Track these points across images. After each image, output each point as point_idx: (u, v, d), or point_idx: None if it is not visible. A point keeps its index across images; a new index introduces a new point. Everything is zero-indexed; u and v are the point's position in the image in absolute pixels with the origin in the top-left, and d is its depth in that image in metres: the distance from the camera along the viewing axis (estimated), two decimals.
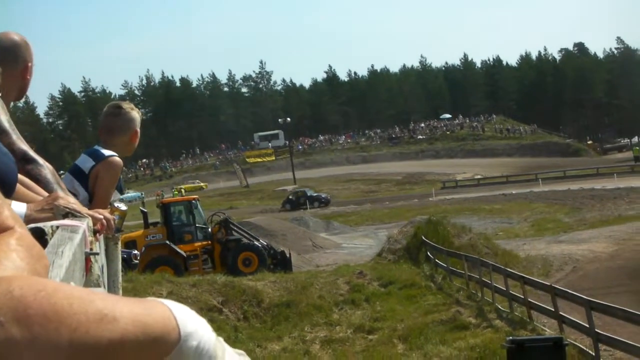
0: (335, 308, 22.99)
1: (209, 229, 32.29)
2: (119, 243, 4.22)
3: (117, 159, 4.78)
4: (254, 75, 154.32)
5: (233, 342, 19.61)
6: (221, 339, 1.41)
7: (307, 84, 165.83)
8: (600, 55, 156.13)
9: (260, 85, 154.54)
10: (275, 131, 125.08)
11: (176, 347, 1.25)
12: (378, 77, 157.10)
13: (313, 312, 22.41)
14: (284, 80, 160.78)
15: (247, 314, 22.27)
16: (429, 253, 29.51)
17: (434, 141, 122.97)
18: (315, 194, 74.55)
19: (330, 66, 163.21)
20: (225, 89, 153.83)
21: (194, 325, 1.28)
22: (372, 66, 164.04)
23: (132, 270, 27.88)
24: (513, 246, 34.08)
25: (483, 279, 22.12)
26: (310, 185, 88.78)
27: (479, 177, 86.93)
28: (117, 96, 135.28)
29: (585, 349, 14.53)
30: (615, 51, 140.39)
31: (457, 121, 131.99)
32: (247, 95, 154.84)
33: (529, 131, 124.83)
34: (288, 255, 31.82)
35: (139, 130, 5.06)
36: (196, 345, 1.28)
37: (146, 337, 1.18)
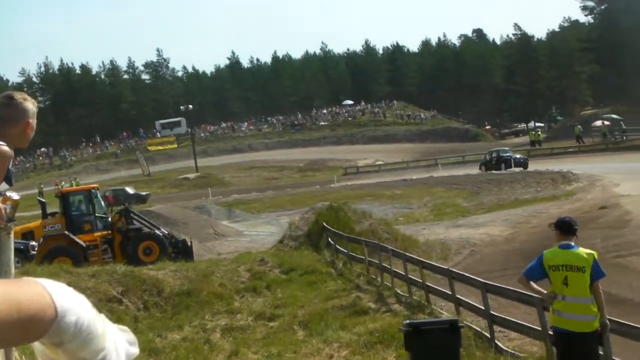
0: (236, 296, 22.96)
1: (109, 219, 31.84)
2: (12, 233, 4.15)
3: (5, 148, 4.69)
4: (154, 62, 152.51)
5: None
6: (103, 315, 1.42)
7: (209, 70, 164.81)
8: (498, 41, 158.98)
9: (161, 72, 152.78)
10: (177, 118, 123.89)
11: (54, 324, 1.25)
12: (280, 64, 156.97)
13: (214, 301, 22.33)
14: (185, 67, 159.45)
15: (147, 304, 22.08)
16: (330, 239, 29.70)
17: (335, 127, 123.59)
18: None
19: (233, 52, 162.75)
20: (126, 76, 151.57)
21: (70, 301, 1.29)
22: (275, 52, 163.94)
23: (30, 262, 27.46)
24: (413, 231, 34.51)
25: (383, 264, 22.36)
26: (213, 172, 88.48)
27: (380, 162, 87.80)
28: (14, 84, 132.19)
29: (481, 330, 14.82)
30: (513, 37, 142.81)
31: (358, 107, 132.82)
32: (148, 82, 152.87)
33: (429, 117, 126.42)
34: (189, 244, 31.61)
35: (33, 121, 4.96)
36: (75, 321, 1.28)
37: (21, 315, 1.18)
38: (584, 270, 9.09)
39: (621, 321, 10.38)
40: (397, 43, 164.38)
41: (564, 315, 9.15)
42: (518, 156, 67.06)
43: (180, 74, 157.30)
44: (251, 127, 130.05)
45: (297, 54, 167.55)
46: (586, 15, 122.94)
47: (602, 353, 9.75)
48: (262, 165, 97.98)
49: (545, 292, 9.37)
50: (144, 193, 74.81)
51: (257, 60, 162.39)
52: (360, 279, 23.89)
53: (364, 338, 15.91)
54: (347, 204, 35.63)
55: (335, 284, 23.47)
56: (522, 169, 61.61)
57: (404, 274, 20.18)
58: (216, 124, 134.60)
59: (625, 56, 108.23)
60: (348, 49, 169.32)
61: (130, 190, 74.83)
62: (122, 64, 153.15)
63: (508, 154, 66.82)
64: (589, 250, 9.27)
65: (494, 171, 62.15)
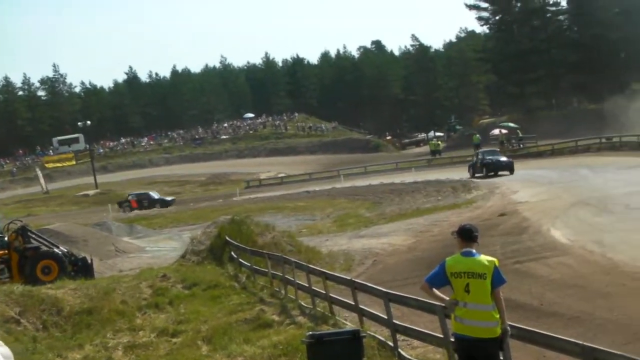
0: (138, 313, 22.59)
1: (5, 238, 31.00)
2: None
3: None
4: (50, 78, 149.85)
5: (32, 353, 18.93)
6: None
7: (108, 86, 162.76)
8: (397, 52, 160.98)
9: (58, 88, 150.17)
10: (75, 135, 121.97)
11: None
12: (180, 78, 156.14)
13: (116, 318, 21.93)
14: (83, 83, 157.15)
15: (46, 324, 21.55)
16: (232, 253, 29.46)
17: (237, 141, 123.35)
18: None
19: (130, 67, 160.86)
20: (21, 92, 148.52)
21: None
22: (174, 67, 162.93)
23: None
24: (316, 242, 34.47)
25: (286, 276, 22.25)
26: (113, 189, 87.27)
27: (282, 175, 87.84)
28: None
29: (384, 340, 14.83)
30: (411, 48, 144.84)
31: (259, 120, 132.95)
32: (44, 98, 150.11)
33: (330, 128, 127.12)
34: (90, 262, 30.97)
35: None
36: None
37: None
38: (485, 277, 9.14)
39: (521, 326, 10.48)
40: (297, 55, 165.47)
41: (465, 322, 9.19)
42: (504, 159, 59.47)
43: (77, 89, 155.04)
44: (151, 142, 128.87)
45: (196, 68, 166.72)
46: (482, 26, 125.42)
47: (502, 358, 9.83)
48: (164, 180, 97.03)
49: (447, 298, 9.40)
50: (169, 198, 73.71)
51: (156, 74, 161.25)
52: (263, 292, 23.75)
53: (268, 351, 15.80)
54: (250, 217, 35.41)
55: (238, 297, 23.28)
56: (508, 173, 55.82)
57: (307, 285, 20.11)
58: (115, 139, 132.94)
59: (520, 65, 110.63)
60: (248, 62, 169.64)
61: (154, 195, 73.70)
62: (17, 81, 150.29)
63: (490, 157, 59.04)
64: (490, 258, 9.33)
65: (476, 175, 57.26)
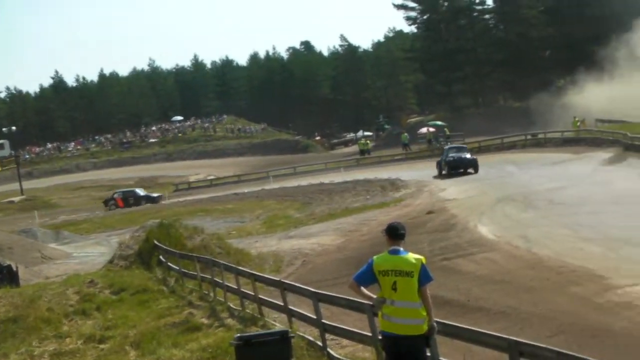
0: (65, 320, 22.23)
1: None
2: None
3: None
4: None
5: None
6: None
7: (34, 91, 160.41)
8: (326, 53, 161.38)
9: None
10: (0, 141, 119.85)
11: None
12: (107, 82, 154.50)
13: (42, 326, 21.54)
14: (8, 88, 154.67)
15: None
16: (161, 257, 29.23)
17: (165, 144, 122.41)
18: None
19: (56, 72, 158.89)
20: None
21: None
22: (102, 70, 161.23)
23: None
24: (246, 244, 34.38)
25: (215, 278, 22.13)
26: (40, 195, 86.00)
27: (211, 177, 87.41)
28: None
29: (313, 340, 14.83)
30: (339, 48, 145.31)
31: (188, 123, 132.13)
32: None
33: (260, 130, 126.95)
34: (15, 269, 30.46)
35: None
36: None
37: None
38: (412, 275, 9.17)
39: (447, 322, 10.55)
40: (226, 57, 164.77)
41: (393, 320, 9.22)
42: (467, 156, 54.56)
43: (2, 95, 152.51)
44: (79, 147, 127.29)
45: (124, 71, 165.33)
46: (410, 25, 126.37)
47: (429, 354, 9.89)
48: (91, 185, 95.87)
49: (375, 297, 9.42)
50: (155, 194, 72.27)
51: (83, 78, 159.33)
52: (192, 295, 23.60)
53: (197, 354, 15.70)
54: (179, 221, 35.15)
55: (167, 301, 23.09)
56: (472, 171, 52.62)
57: (236, 287, 20.03)
58: (42, 145, 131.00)
59: (447, 64, 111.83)
60: (177, 65, 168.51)
61: (140, 192, 72.31)
62: None
63: (453, 155, 55.09)
64: (417, 256, 9.35)
65: (442, 173, 54.07)
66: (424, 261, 9.31)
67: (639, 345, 12.87)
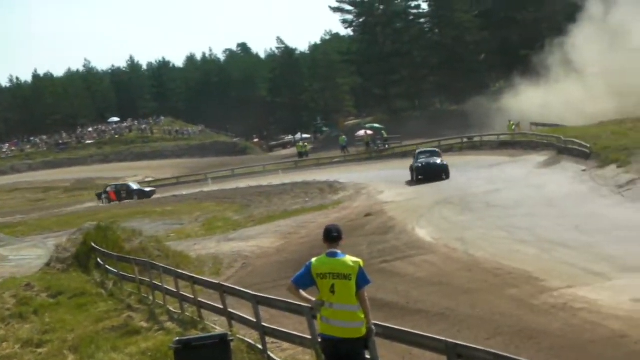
0: (1, 324, 21.96)
1: None
2: None
3: None
4: None
5: None
6: None
7: None
8: (263, 55, 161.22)
9: None
10: None
11: None
12: (42, 82, 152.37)
13: None
14: None
15: None
16: (99, 259, 28.98)
17: (102, 145, 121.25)
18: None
19: None
20: None
21: None
22: (36, 71, 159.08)
23: None
24: (185, 247, 34.22)
25: (154, 282, 22.03)
26: None
27: (149, 179, 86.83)
28: None
29: (253, 343, 14.87)
30: (277, 51, 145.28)
31: (125, 124, 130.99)
32: None
33: (197, 132, 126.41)
34: None
35: None
36: None
37: None
38: (350, 278, 9.24)
39: (386, 325, 10.67)
40: (162, 59, 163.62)
41: (331, 323, 9.29)
42: (438, 161, 49.39)
43: None
44: (13, 148, 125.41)
45: (59, 72, 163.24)
46: (346, 28, 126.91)
47: (368, 357, 10.00)
48: (27, 187, 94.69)
49: (313, 299, 9.49)
50: (148, 189, 71.34)
51: (17, 79, 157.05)
52: (131, 299, 23.46)
53: (137, 358, 15.67)
54: (116, 223, 34.88)
55: (106, 305, 22.94)
56: (444, 177, 47.77)
57: (175, 290, 19.97)
58: None
59: (383, 67, 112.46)
60: (113, 66, 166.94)
61: (134, 185, 71.53)
62: None
63: (422, 161, 49.44)
64: (355, 259, 9.42)
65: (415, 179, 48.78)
66: (362, 264, 9.38)
67: (574, 346, 13.12)
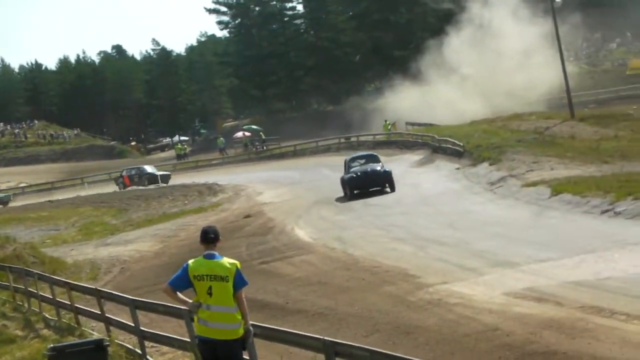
0: None
1: None
2: None
3: None
4: None
5: None
6: None
7: None
8: (138, 57, 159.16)
9: None
10: None
11: None
12: None
13: None
14: None
15: None
16: None
17: None
18: None
19: None
20: None
21: None
22: None
23: None
24: (61, 253, 33.67)
25: (29, 289, 21.62)
26: None
27: (23, 185, 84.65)
28: None
29: (132, 348, 14.76)
30: (152, 52, 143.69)
31: None
32: None
33: (73, 135, 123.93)
34: None
35: None
36: None
37: None
38: (228, 280, 9.27)
39: (265, 325, 10.77)
40: (35, 61, 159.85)
41: (209, 325, 9.32)
42: (378, 168, 38.44)
43: None
44: None
45: None
46: (222, 30, 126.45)
47: (247, 358, 10.07)
48: None
49: (190, 301, 9.49)
50: (160, 172, 66.57)
51: None
52: (5, 307, 22.99)
53: None
54: None
55: None
56: (387, 188, 37.34)
57: (51, 297, 19.63)
58: None
59: (260, 68, 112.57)
60: None
61: (149, 168, 66.88)
62: None
63: (356, 170, 38.37)
64: (232, 260, 9.45)
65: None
66: (238, 266, 9.42)
67: (449, 341, 13.44)
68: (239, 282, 9.34)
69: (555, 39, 52.79)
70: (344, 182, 38.08)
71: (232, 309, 9.30)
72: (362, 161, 39.69)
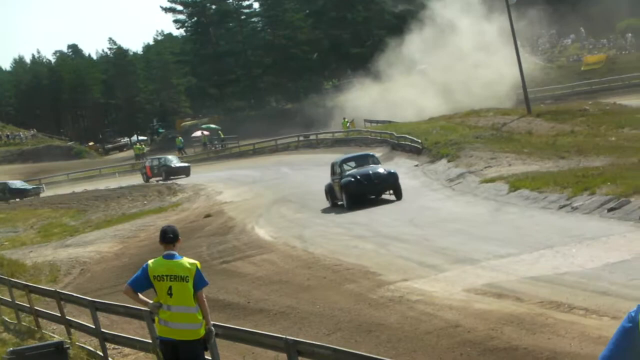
0: None
1: None
2: None
3: None
4: None
5: None
6: None
7: None
8: (95, 56, 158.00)
9: None
10: None
11: None
12: None
13: None
14: None
15: None
16: None
17: None
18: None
19: None
20: None
21: None
22: None
23: None
24: (20, 255, 33.42)
25: None
26: None
27: None
28: None
29: (94, 350, 14.68)
30: (109, 52, 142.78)
31: None
32: None
33: (30, 136, 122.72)
34: None
35: None
36: None
37: None
38: (188, 280, 9.26)
39: (226, 325, 10.79)
40: None
41: (170, 325, 9.32)
42: (381, 170, 32.42)
43: None
44: None
45: None
46: (178, 29, 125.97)
47: (209, 358, 10.07)
48: None
49: (150, 302, 9.48)
50: (180, 164, 62.87)
51: None
52: None
53: None
54: None
55: None
56: (394, 195, 31.77)
57: (10, 300, 19.48)
58: None
59: (218, 67, 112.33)
60: None
61: (172, 159, 63.33)
62: None
63: (352, 173, 32.01)
64: (192, 260, 9.45)
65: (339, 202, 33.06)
66: (198, 266, 9.42)
67: (410, 338, 13.51)
68: (199, 282, 9.34)
69: (511, 36, 53.21)
70: (341, 188, 31.95)
71: (193, 309, 9.29)
72: (359, 162, 33.85)
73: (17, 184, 69.95)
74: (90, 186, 63.70)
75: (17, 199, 63.89)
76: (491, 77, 66.86)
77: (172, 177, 59.30)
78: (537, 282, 15.56)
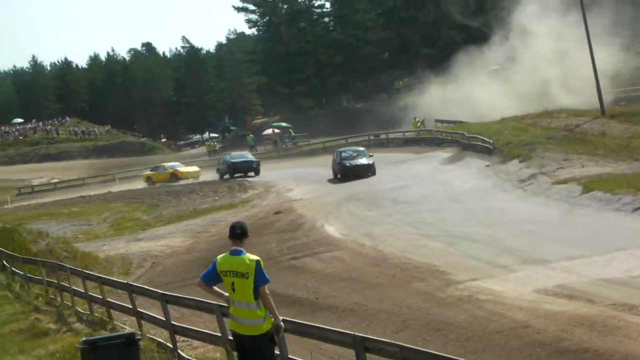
0: None
1: None
2: None
3: None
4: None
5: None
6: None
7: None
8: (168, 54, 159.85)
9: None
10: None
11: None
12: None
13: None
14: None
15: None
16: (5, 262, 28.57)
17: (6, 147, 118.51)
18: None
19: None
20: None
21: None
22: None
23: None
24: (93, 248, 33.86)
25: (62, 283, 21.81)
26: None
27: (55, 180, 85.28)
28: None
29: (163, 342, 14.84)
30: (182, 50, 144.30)
31: (29, 125, 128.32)
32: None
33: (104, 132, 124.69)
34: None
35: None
36: None
37: None
38: (248, 277, 9.30)
39: (295, 320, 10.82)
40: (65, 59, 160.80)
41: (235, 320, 9.45)
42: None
43: None
44: None
45: None
46: (250, 28, 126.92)
47: (278, 353, 10.13)
48: None
49: (226, 294, 9.60)
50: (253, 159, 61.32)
51: None
52: (39, 301, 23.18)
53: None
54: (22, 225, 34.39)
55: (12, 307, 22.63)
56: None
57: (83, 291, 19.80)
58: None
59: (288, 66, 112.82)
60: (14, 66, 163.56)
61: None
62: None
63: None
64: (253, 257, 9.44)
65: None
66: (260, 262, 9.42)
67: (478, 337, 13.44)
68: (260, 278, 9.35)
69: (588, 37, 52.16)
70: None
71: (253, 305, 9.34)
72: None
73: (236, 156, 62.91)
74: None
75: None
76: (565, 77, 65.70)
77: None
78: (609, 284, 15.35)
